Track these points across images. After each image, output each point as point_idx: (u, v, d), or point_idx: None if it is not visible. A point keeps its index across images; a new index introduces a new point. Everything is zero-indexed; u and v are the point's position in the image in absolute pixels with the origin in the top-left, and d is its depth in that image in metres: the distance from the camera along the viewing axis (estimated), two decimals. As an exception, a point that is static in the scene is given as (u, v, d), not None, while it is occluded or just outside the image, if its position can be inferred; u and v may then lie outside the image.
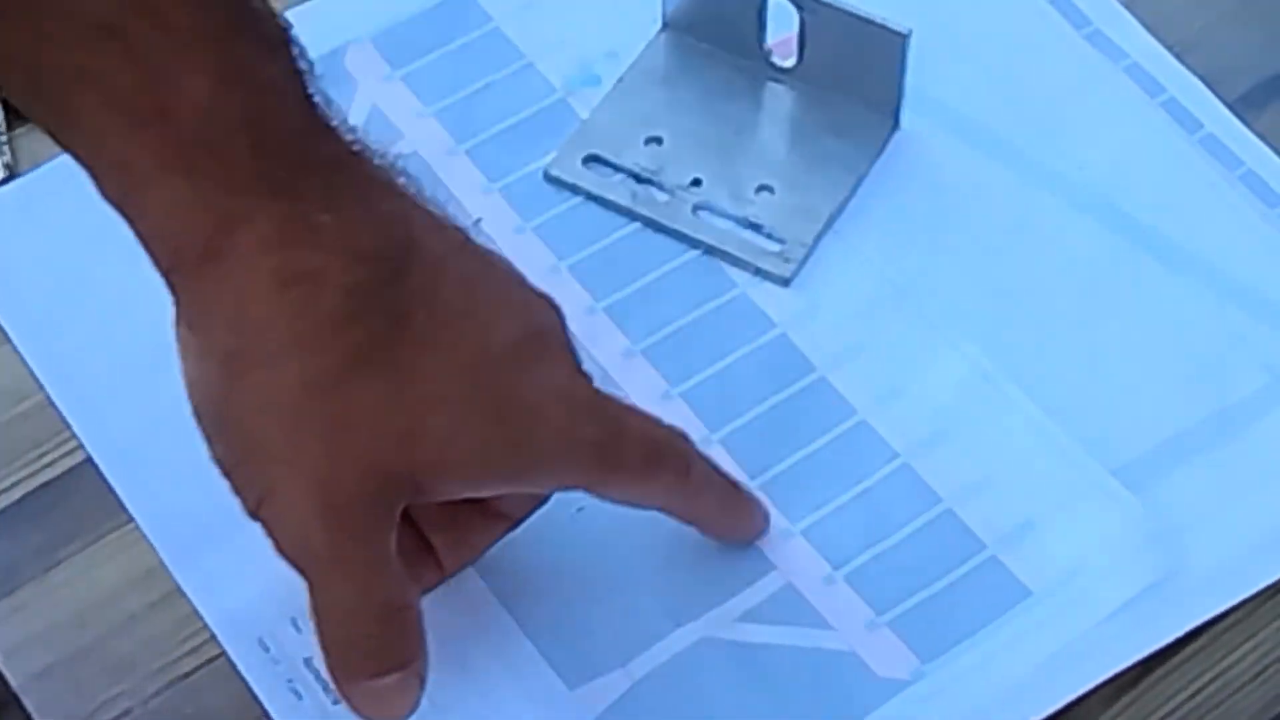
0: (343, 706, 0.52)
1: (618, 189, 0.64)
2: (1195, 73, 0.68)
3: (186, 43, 0.45)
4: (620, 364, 0.61)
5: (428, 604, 0.54)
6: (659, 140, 0.65)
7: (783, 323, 0.61)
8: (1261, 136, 0.66)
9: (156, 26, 0.45)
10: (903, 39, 0.62)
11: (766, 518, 0.58)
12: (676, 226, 0.63)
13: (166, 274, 0.47)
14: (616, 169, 0.65)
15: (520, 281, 0.53)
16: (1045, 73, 0.68)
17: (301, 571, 0.49)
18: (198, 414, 0.49)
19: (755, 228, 0.63)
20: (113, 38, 0.45)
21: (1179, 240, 0.64)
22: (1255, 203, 0.64)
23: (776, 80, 0.67)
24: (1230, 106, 0.66)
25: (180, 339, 0.49)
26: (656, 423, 0.55)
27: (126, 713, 0.55)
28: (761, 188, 0.64)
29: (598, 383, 0.57)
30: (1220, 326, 0.62)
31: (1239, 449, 0.59)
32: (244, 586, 0.56)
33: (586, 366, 0.57)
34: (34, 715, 0.55)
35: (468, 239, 0.52)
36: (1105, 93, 0.67)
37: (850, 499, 0.58)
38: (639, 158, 0.65)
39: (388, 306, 0.48)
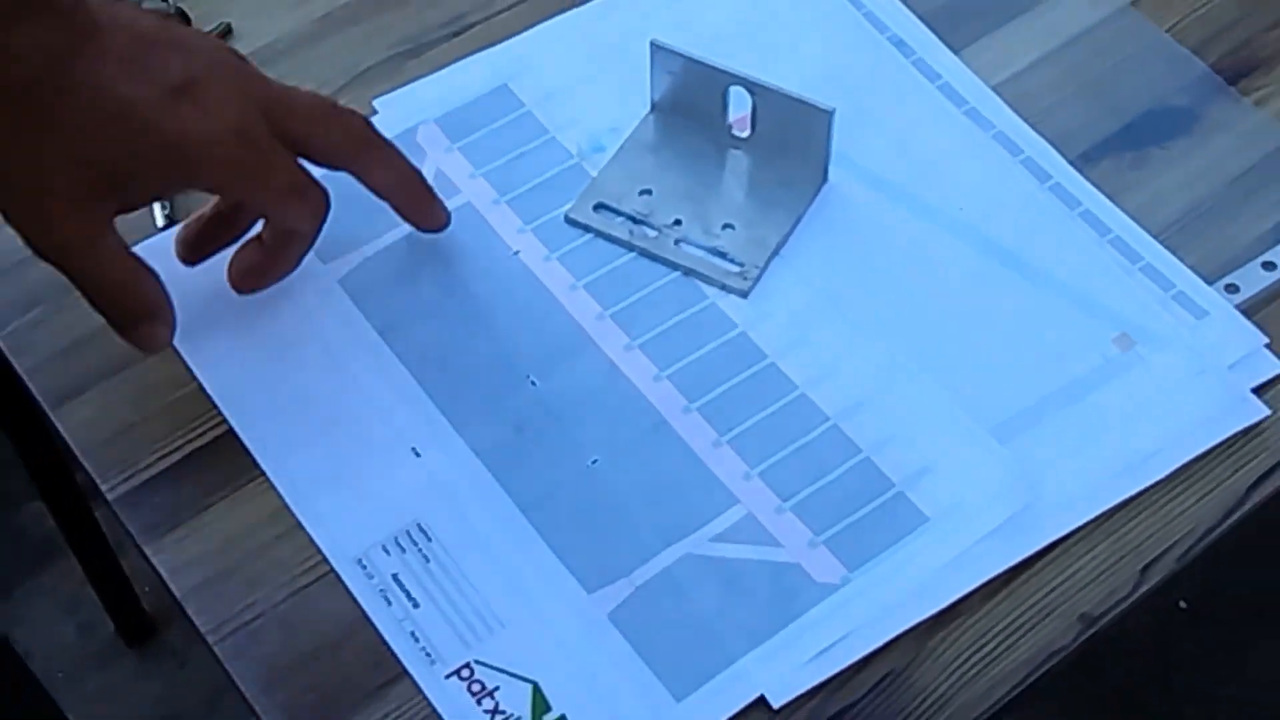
0: (422, 610, 0.57)
1: (619, 228, 0.67)
2: (1045, 138, 0.70)
3: None
4: (622, 355, 0.63)
5: (492, 539, 0.59)
6: (649, 192, 0.68)
7: (742, 324, 0.64)
8: (1094, 184, 0.68)
9: None
10: (829, 115, 0.65)
11: (445, 211, 0.65)
12: (663, 255, 0.66)
13: None
14: (618, 214, 0.67)
15: (186, 48, 0.56)
16: (933, 139, 0.70)
17: (58, 265, 0.56)
18: None
19: (721, 255, 0.66)
20: None
21: (1034, 261, 0.66)
22: (1091, 233, 0.67)
23: (736, 147, 0.69)
24: (1071, 163, 0.69)
25: None
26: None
27: (260, 615, 0.57)
28: (726, 225, 0.67)
29: (601, 374, 0.63)
30: (1066, 323, 0.64)
31: (1079, 412, 0.62)
32: (346, 521, 0.60)
33: (596, 360, 0.61)
34: (194, 618, 0.58)
35: (141, 22, 0.56)
36: (978, 153, 0.70)
37: (793, 451, 0.61)
38: (634, 205, 0.67)
39: (53, 84, 0.53)
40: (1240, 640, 1.38)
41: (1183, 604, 1.39)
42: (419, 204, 0.64)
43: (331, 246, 0.66)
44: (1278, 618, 1.39)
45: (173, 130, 0.55)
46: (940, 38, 0.73)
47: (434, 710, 0.55)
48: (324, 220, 0.61)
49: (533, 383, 0.63)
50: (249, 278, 0.63)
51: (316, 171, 0.61)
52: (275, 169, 0.59)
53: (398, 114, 0.71)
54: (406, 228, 0.67)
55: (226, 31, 0.74)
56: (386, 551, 0.59)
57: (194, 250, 0.63)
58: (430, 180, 0.68)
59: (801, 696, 0.55)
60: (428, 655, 0.56)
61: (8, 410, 1.14)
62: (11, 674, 0.97)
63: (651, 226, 0.67)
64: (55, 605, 1.42)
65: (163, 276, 0.60)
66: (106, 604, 1.37)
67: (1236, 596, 1.40)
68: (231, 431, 0.62)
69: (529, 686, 0.55)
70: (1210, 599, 1.39)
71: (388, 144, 0.62)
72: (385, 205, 0.65)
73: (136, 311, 0.57)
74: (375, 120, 0.69)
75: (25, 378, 0.64)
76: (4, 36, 0.51)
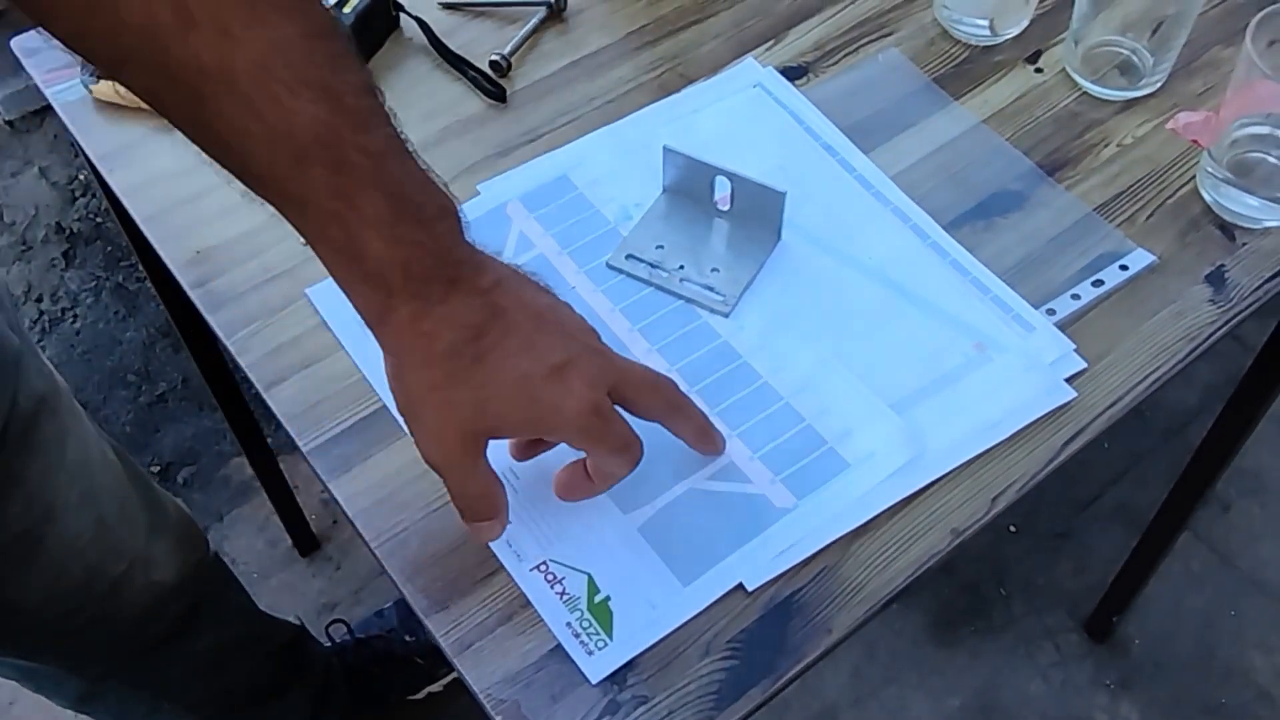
0: (513, 525, 0.56)
1: (642, 271, 0.67)
2: (925, 211, 0.69)
3: (372, 222, 0.45)
4: (644, 356, 0.63)
5: (552, 473, 0.58)
6: (662, 246, 0.68)
7: (725, 335, 0.64)
8: (959, 242, 0.68)
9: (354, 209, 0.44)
10: (782, 195, 0.66)
11: (723, 442, 0.59)
12: (671, 289, 0.66)
13: (370, 327, 0.49)
14: (641, 261, 0.67)
15: (565, 334, 0.51)
16: (851, 211, 0.70)
17: (439, 473, 0.52)
18: (394, 399, 0.51)
19: (711, 289, 0.66)
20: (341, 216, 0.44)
21: (919, 293, 0.66)
22: (956, 275, 0.67)
23: (720, 216, 0.69)
24: (943, 228, 0.69)
25: (384, 361, 0.51)
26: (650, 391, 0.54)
27: (406, 529, 0.58)
28: (713, 269, 0.67)
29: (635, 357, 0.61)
30: (940, 334, 0.64)
31: (950, 394, 0.62)
32: None
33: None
34: (361, 530, 0.58)
35: (537, 303, 0.51)
36: (881, 221, 0.69)
37: (759, 419, 0.61)
38: (652, 255, 0.67)
39: (471, 351, 0.48)
40: (1049, 549, 1.40)
41: (1012, 528, 1.40)
42: (707, 443, 0.58)
43: None
44: (1077, 538, 1.40)
45: (548, 403, 0.50)
46: (855, 144, 0.73)
47: (522, 592, 0.56)
48: (636, 465, 0.55)
49: (585, 374, 0.64)
50: (572, 491, 0.58)
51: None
52: (613, 434, 0.53)
53: (493, 194, 0.71)
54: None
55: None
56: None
57: (523, 452, 0.58)
58: (515, 238, 0.68)
59: (767, 583, 0.56)
60: (517, 555, 0.57)
61: (224, 393, 1.15)
62: (221, 577, 0.98)
63: (664, 270, 0.67)
64: (252, 527, 1.43)
65: (342, 307, 0.55)
66: (286, 526, 1.38)
67: (1048, 521, 1.41)
68: (384, 407, 0.62)
69: (585, 576, 0.56)
70: (1031, 523, 1.41)
71: (688, 403, 0.57)
72: None
73: (488, 514, 0.54)
74: (477, 200, 0.70)
75: (247, 370, 0.64)
76: (441, 309, 0.47)
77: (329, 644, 1.22)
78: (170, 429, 1.50)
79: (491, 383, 0.49)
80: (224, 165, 0.44)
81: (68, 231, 1.67)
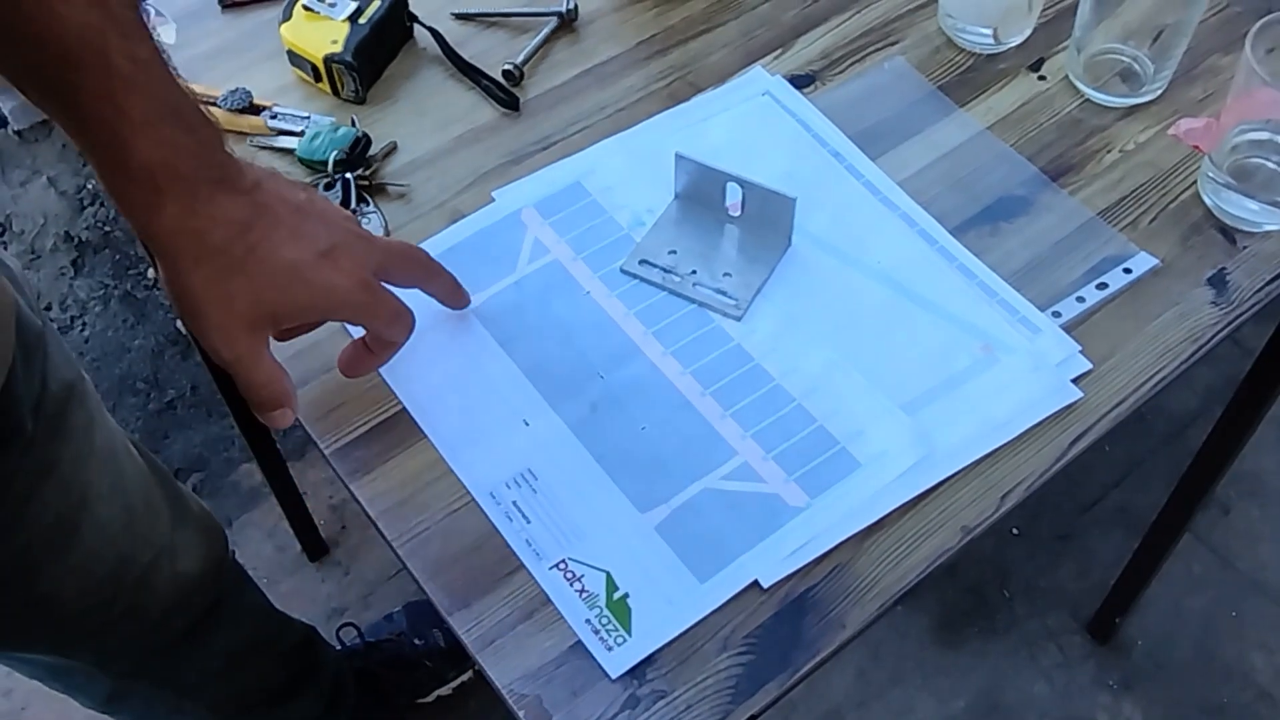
0: (532, 524, 0.58)
1: (656, 276, 0.67)
2: (932, 216, 0.70)
3: (138, 125, 0.47)
4: (660, 359, 0.64)
5: (577, 478, 0.59)
6: (675, 252, 0.68)
7: (738, 338, 0.65)
8: (966, 246, 0.69)
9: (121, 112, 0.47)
10: (792, 201, 0.66)
11: (468, 297, 0.64)
12: (684, 293, 0.66)
13: (140, 233, 0.51)
14: (655, 266, 0.68)
15: (327, 222, 0.55)
16: (859, 217, 0.70)
17: (227, 368, 0.54)
18: (173, 303, 0.53)
19: (723, 293, 0.66)
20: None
21: (927, 296, 0.66)
22: (963, 278, 0.67)
23: (731, 222, 0.69)
24: (950, 232, 0.69)
25: (159, 267, 0.53)
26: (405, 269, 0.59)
27: (427, 529, 0.58)
28: (726, 274, 0.67)
29: (647, 371, 0.63)
30: (949, 337, 0.65)
31: (959, 395, 0.62)
32: (481, 468, 0.60)
33: (643, 362, 0.61)
34: (384, 531, 0.59)
35: (297, 198, 0.54)
36: (889, 226, 0.70)
37: (773, 420, 0.62)
38: (665, 260, 0.68)
39: (241, 245, 0.51)
40: (1052, 551, 1.40)
41: (1014, 530, 1.41)
42: (457, 298, 0.64)
43: (467, 287, 0.66)
44: (1079, 541, 1.41)
45: (321, 285, 0.54)
46: (863, 151, 0.74)
47: (542, 590, 0.57)
48: (411, 333, 0.60)
49: (601, 377, 0.64)
50: (354, 367, 0.62)
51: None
52: (386, 306, 0.58)
53: (509, 201, 0.72)
54: (518, 275, 0.68)
55: (393, 149, 0.75)
56: (508, 487, 0.60)
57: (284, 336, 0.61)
58: (530, 245, 0.69)
59: (782, 580, 0.57)
60: (536, 554, 0.58)
61: (235, 399, 1.15)
62: (238, 576, 0.99)
63: (677, 274, 0.68)
64: (261, 533, 1.43)
65: None
66: (296, 532, 1.38)
67: (1050, 524, 1.42)
68: (404, 409, 0.63)
69: (604, 574, 0.57)
70: (1033, 526, 1.41)
71: (439, 266, 0.63)
72: (502, 261, 0.66)
73: (277, 402, 0.56)
74: (492, 206, 0.71)
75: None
76: (206, 208, 0.50)
77: (339, 647, 1.22)
78: (179, 436, 1.51)
79: (265, 273, 0.52)
80: None
81: (76, 240, 1.68)
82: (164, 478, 0.84)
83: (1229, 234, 0.70)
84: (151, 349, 1.58)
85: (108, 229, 1.69)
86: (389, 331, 0.59)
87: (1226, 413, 0.99)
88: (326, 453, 0.62)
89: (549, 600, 0.56)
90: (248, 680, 0.99)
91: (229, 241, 0.51)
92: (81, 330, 1.60)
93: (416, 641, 1.21)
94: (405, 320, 0.60)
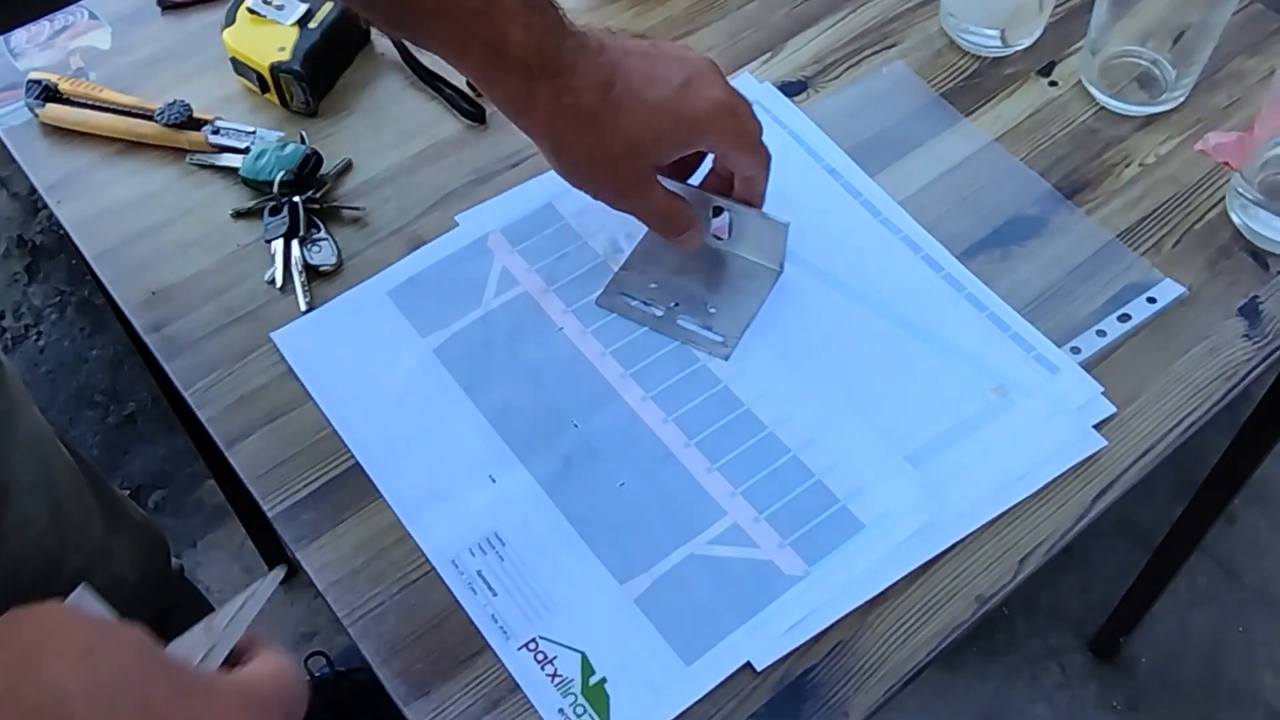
0: (499, 597, 0.53)
1: (635, 310, 0.63)
2: (938, 239, 0.65)
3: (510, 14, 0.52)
4: (639, 404, 0.59)
5: (549, 544, 0.55)
6: (656, 284, 0.64)
7: (725, 380, 0.60)
8: (974, 273, 0.64)
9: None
10: (785, 226, 0.62)
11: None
12: (667, 329, 0.62)
13: (517, 119, 0.56)
14: (634, 299, 0.63)
15: (677, 58, 0.57)
16: (858, 241, 0.66)
17: (634, 215, 0.59)
18: (564, 177, 0.58)
19: (709, 329, 0.62)
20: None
21: (933, 331, 0.62)
22: (973, 309, 0.63)
23: (717, 249, 0.65)
24: (957, 257, 0.65)
25: (540, 148, 0.57)
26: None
27: (381, 604, 0.54)
28: (711, 307, 0.63)
29: (625, 419, 0.58)
30: (957, 377, 0.60)
31: (969, 444, 0.58)
32: (442, 532, 0.56)
33: (621, 408, 0.57)
34: (332, 606, 0.54)
35: (639, 45, 0.57)
36: (890, 251, 0.65)
37: (765, 475, 0.57)
38: (646, 293, 0.64)
39: (609, 105, 0.55)
40: (1053, 566, 1.36)
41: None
42: (754, 189, 0.63)
43: (427, 324, 0.62)
44: (1080, 555, 1.36)
45: (687, 115, 0.56)
46: (861, 167, 0.69)
47: (509, 674, 0.52)
48: (769, 169, 0.61)
49: (575, 426, 0.59)
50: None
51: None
52: (751, 128, 0.59)
53: (473, 225, 0.67)
54: (484, 310, 0.63)
55: (348, 167, 0.70)
56: (472, 554, 0.55)
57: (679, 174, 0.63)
58: (496, 275, 0.64)
59: (777, 661, 0.52)
60: (504, 632, 0.53)
61: (189, 417, 1.09)
62: (191, 590, 0.95)
63: (658, 308, 0.63)
64: (225, 553, 1.38)
65: (310, 353, 0.57)
66: (261, 551, 1.34)
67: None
68: (357, 465, 0.58)
69: (579, 655, 0.52)
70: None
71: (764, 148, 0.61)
72: (467, 294, 0.62)
73: (684, 225, 0.60)
74: (455, 232, 0.66)
75: (207, 425, 0.60)
76: (570, 82, 0.54)
77: (308, 678, 1.18)
78: (140, 450, 1.45)
79: (636, 123, 0.55)
80: None
81: (30, 245, 1.61)
82: (95, 479, 0.80)
83: (1260, 258, 0.65)
84: (110, 359, 1.52)
85: (62, 233, 1.62)
86: (756, 159, 0.60)
87: (1243, 430, 0.94)
88: (270, 515, 0.57)
89: (517, 687, 0.51)
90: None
91: (597, 106, 0.54)
92: (36, 340, 1.54)
93: (390, 671, 1.16)
94: (765, 150, 0.60)
